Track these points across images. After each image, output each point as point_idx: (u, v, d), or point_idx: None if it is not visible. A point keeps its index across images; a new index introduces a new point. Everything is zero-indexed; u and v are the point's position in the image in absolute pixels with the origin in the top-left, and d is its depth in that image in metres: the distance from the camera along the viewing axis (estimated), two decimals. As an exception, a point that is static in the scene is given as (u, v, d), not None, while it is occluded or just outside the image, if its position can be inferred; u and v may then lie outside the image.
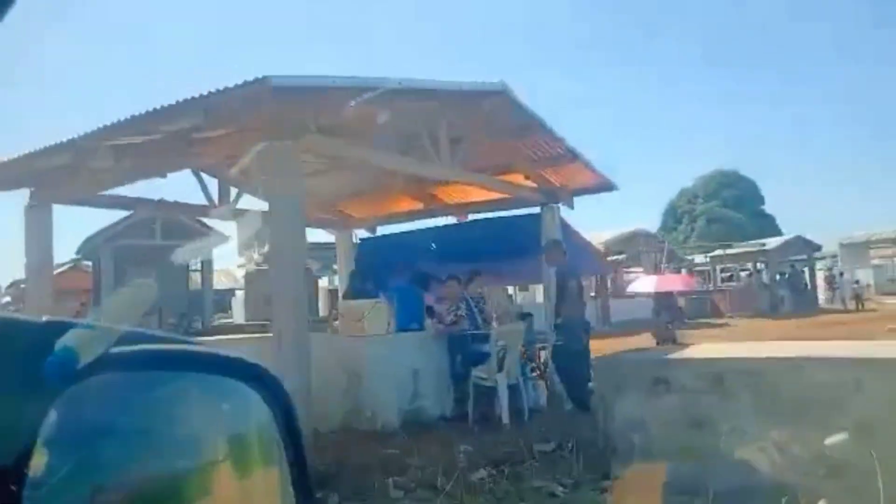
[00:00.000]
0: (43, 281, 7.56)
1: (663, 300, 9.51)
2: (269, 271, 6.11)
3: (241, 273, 26.06)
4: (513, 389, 7.52)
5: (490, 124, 8.26)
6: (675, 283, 10.56)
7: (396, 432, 7.06)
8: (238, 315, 20.78)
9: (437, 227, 10.75)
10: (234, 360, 0.93)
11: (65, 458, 0.67)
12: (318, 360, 6.12)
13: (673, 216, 58.48)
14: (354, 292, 9.51)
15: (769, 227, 50.63)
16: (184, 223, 14.24)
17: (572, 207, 9.88)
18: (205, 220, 12.90)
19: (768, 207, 57.27)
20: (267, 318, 16.85)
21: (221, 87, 5.21)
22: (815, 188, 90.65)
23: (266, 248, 9.71)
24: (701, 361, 5.37)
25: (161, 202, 8.72)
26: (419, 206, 10.75)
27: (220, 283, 24.71)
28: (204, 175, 9.13)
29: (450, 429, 7.24)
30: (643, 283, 9.79)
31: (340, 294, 11.22)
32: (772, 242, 28.19)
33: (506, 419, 7.33)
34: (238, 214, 9.86)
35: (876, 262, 34.28)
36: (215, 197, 9.37)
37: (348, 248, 11.45)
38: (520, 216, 9.97)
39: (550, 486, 5.48)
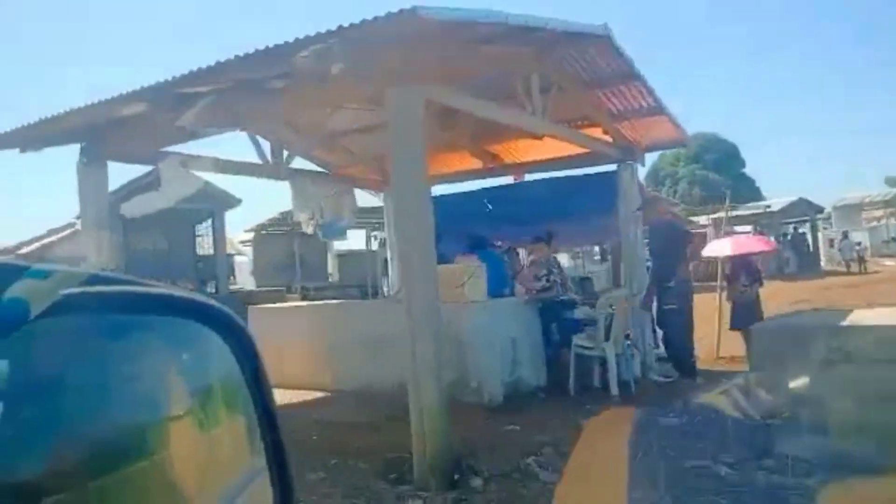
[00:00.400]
0: (103, 248, 6.87)
1: (739, 262, 9.09)
2: (396, 235, 5.49)
3: (238, 238, 25.17)
4: (617, 359, 7.08)
5: (583, 72, 7.63)
6: (753, 244, 10.16)
7: (503, 405, 6.59)
8: (244, 281, 20.07)
9: (497, 188, 10.15)
10: (200, 304, 0.89)
11: (16, 408, 0.62)
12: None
13: (655, 178, 58.38)
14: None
15: (750, 189, 50.81)
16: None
17: (644, 165, 9.37)
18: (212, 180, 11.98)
19: (748, 170, 57.46)
20: (278, 285, 16.26)
21: (365, 20, 4.49)
22: (793, 151, 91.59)
23: (322, 211, 9.08)
24: (891, 328, 4.92)
25: (217, 160, 7.99)
26: (477, 164, 10.09)
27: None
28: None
29: (556, 401, 6.79)
30: (718, 246, 9.36)
31: (389, 259, 10.63)
32: (776, 204, 28.08)
33: (615, 391, 6.89)
34: (292, 175, 9.19)
35: (865, 224, 34.56)
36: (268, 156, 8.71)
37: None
38: (588, 175, 9.39)
39: (712, 465, 5.06)
